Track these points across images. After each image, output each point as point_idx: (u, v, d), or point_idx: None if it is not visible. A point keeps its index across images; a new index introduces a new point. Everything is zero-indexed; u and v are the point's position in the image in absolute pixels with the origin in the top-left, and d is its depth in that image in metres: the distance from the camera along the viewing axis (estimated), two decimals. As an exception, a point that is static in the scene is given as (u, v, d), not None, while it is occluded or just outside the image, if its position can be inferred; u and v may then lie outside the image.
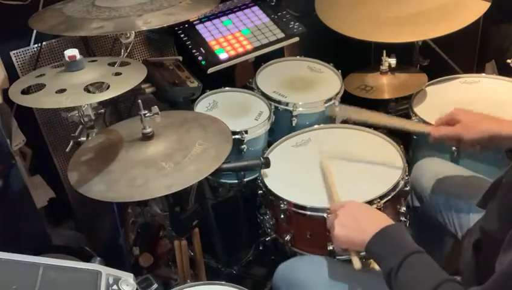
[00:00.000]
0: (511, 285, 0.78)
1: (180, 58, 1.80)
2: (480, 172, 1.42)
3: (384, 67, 1.79)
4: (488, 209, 1.03)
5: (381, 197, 1.32)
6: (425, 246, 0.98)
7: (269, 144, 1.64)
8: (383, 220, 1.05)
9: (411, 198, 1.50)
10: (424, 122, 1.61)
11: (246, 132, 1.56)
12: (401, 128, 1.42)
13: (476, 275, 0.91)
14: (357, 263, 1.08)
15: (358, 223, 1.06)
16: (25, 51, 1.70)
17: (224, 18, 1.92)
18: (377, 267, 1.03)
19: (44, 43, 1.70)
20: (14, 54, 1.68)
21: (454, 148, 1.54)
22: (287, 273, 1.24)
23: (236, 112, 1.68)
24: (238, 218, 1.79)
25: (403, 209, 1.41)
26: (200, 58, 1.76)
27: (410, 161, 1.61)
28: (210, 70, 1.74)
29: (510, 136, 1.18)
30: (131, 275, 1.01)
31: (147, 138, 1.24)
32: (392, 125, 1.43)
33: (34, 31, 1.68)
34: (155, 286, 1.21)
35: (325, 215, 1.27)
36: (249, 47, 1.82)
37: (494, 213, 0.95)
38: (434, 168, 1.45)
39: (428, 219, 1.42)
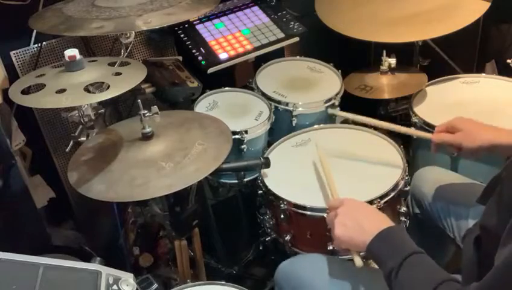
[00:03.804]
0: (508, 279, 0.78)
1: (180, 58, 1.80)
2: (480, 172, 1.42)
3: (384, 67, 1.79)
4: (488, 206, 1.03)
5: (381, 197, 1.32)
6: (426, 252, 0.98)
7: (269, 144, 1.64)
8: (384, 221, 1.05)
9: (411, 205, 1.51)
10: (425, 122, 1.62)
11: (246, 132, 1.56)
12: (402, 132, 1.44)
13: (477, 272, 0.91)
14: (358, 261, 1.08)
15: (359, 224, 1.06)
16: (25, 51, 1.70)
17: (222, 18, 1.92)
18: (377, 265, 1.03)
19: (44, 43, 1.70)
20: (14, 54, 1.68)
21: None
22: (289, 271, 1.24)
23: (236, 112, 1.68)
24: (238, 218, 1.79)
25: (403, 209, 1.41)
26: (200, 58, 1.76)
27: (410, 161, 1.61)
28: (210, 71, 1.74)
29: (510, 145, 1.20)
30: (131, 275, 1.01)
31: (146, 137, 1.24)
32: (393, 129, 1.46)
33: (34, 31, 1.68)
34: (155, 286, 1.22)
35: (325, 215, 1.27)
36: (249, 47, 1.82)
37: (494, 209, 0.95)
38: (433, 177, 1.46)
39: (428, 226, 1.42)
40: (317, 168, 1.46)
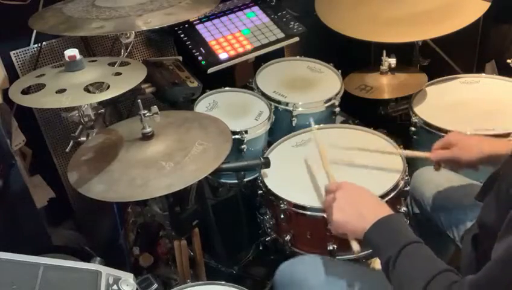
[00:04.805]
0: (504, 272, 0.78)
1: (180, 58, 1.80)
2: (479, 173, 1.42)
3: (384, 67, 1.79)
4: (486, 202, 1.03)
5: (381, 197, 1.31)
6: None
7: (269, 144, 1.64)
8: (382, 209, 1.04)
9: (410, 205, 1.51)
10: (425, 122, 1.62)
11: (246, 132, 1.56)
12: (404, 155, 1.46)
13: (476, 270, 0.91)
14: (355, 246, 1.07)
15: (357, 210, 1.04)
16: (25, 51, 1.70)
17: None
18: (377, 266, 1.02)
19: (44, 43, 1.70)
20: (14, 54, 1.68)
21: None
22: (288, 273, 1.24)
23: (236, 112, 1.68)
24: (238, 218, 1.79)
25: (403, 209, 1.41)
26: (200, 58, 1.76)
27: (410, 161, 1.61)
28: (210, 70, 1.74)
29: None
30: (131, 275, 1.01)
31: (146, 137, 1.24)
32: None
33: (34, 31, 1.69)
34: (155, 286, 1.22)
35: (325, 215, 1.26)
36: (248, 47, 1.82)
37: (492, 205, 0.95)
38: (433, 177, 1.45)
39: (428, 226, 1.42)
40: (317, 168, 1.45)
